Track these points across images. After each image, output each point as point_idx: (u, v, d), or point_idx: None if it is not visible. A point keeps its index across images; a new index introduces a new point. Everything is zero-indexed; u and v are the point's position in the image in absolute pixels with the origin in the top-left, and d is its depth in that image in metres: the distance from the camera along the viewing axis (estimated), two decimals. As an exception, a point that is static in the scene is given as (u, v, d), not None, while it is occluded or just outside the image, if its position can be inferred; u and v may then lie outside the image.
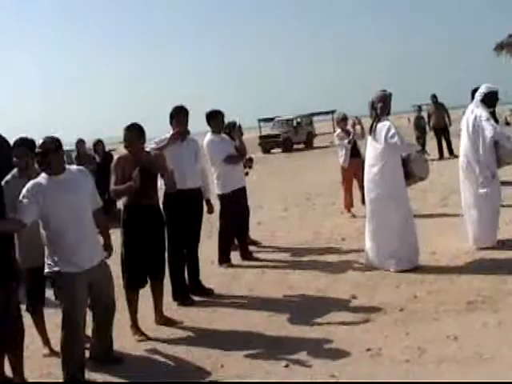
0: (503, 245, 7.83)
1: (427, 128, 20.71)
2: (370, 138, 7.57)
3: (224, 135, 8.71)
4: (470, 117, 7.80)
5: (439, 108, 19.87)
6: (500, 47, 25.56)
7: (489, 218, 7.75)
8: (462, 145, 7.98)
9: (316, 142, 40.04)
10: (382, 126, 7.32)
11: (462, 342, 5.11)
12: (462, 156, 8.01)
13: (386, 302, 6.27)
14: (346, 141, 11.13)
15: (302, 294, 7.00)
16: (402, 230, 7.28)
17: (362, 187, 9.58)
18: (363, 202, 9.37)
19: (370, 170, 7.47)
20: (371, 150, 7.51)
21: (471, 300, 6.04)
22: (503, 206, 8.59)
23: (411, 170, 7.46)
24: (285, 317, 6.24)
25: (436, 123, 19.69)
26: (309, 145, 39.77)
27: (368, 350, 5.17)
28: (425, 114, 21.24)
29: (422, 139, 20.83)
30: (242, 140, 8.77)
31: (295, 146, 38.74)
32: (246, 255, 8.94)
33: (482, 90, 7.84)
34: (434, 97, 20.24)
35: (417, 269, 7.26)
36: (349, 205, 11.34)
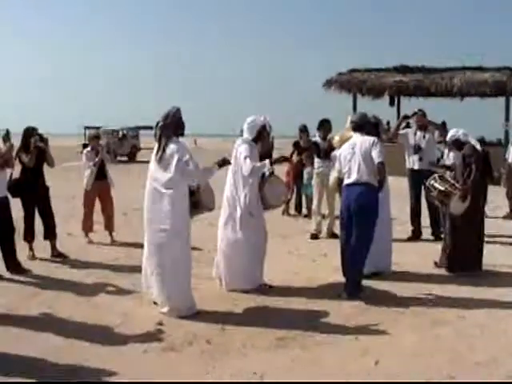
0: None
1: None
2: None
3: None
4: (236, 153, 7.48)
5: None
6: (329, 83, 26.79)
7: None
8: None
9: (139, 156, 39.42)
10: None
11: (268, 379, 4.95)
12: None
13: (193, 333, 5.98)
14: (92, 162, 10.46)
15: (108, 314, 6.56)
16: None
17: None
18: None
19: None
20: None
21: (280, 336, 5.90)
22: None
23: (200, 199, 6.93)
24: (86, 342, 5.76)
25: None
26: (132, 158, 39.19)
27: None
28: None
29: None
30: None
31: (119, 158, 37.94)
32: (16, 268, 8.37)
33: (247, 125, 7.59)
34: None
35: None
36: (88, 228, 10.71)
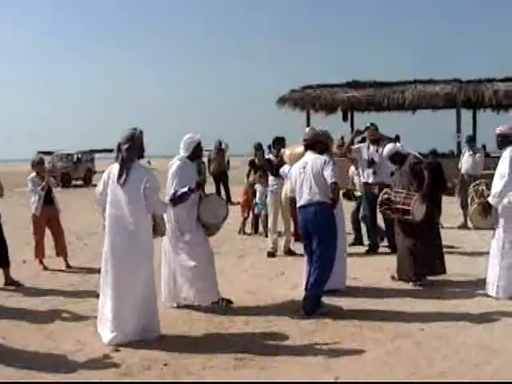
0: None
1: (207, 173, 21.11)
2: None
3: None
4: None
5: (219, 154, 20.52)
6: (282, 101, 26.97)
7: None
8: None
9: (95, 180, 38.97)
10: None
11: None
12: None
13: (149, 357, 5.87)
14: (40, 187, 10.25)
15: (63, 342, 6.40)
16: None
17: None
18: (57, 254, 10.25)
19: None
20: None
21: (239, 356, 5.82)
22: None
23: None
24: (41, 372, 5.57)
25: (216, 168, 20.30)
26: (88, 181, 38.73)
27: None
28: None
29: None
30: None
31: (74, 182, 37.48)
32: None
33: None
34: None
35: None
36: (41, 255, 10.39)
